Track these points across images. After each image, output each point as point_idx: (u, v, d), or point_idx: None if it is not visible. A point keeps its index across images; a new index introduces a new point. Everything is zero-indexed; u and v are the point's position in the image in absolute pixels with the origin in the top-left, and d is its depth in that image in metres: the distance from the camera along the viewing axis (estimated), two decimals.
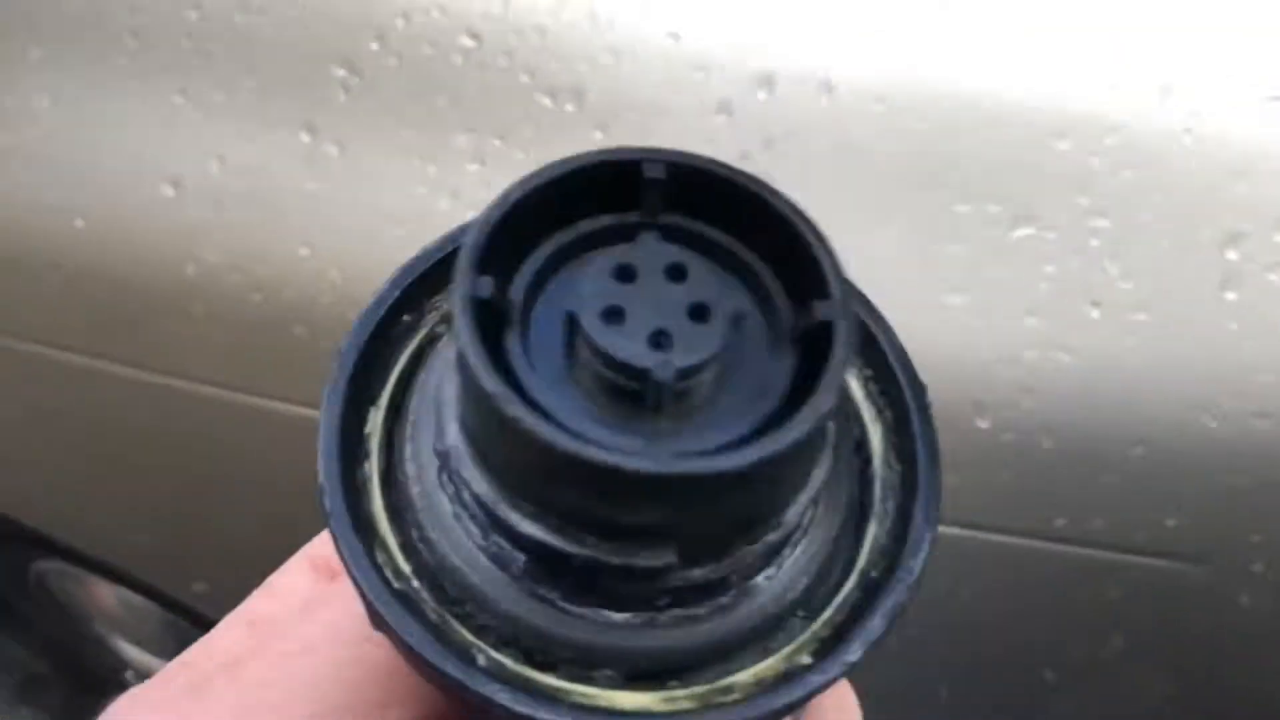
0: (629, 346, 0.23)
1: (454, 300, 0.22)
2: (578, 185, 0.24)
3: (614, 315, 0.23)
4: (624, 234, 0.25)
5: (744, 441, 0.23)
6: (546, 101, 0.58)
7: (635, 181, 0.24)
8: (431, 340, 0.29)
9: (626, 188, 0.25)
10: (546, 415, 0.22)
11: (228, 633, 0.35)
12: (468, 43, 0.58)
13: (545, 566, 0.25)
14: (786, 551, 0.27)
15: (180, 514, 0.71)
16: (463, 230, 0.27)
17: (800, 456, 0.24)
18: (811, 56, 0.54)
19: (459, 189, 0.58)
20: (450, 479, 0.26)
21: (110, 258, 0.64)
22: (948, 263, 0.51)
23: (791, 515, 0.25)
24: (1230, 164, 0.49)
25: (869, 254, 0.45)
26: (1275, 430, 0.50)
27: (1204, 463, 0.51)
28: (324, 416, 0.26)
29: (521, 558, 0.25)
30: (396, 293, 0.28)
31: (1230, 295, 0.49)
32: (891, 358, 0.28)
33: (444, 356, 0.27)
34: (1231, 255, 0.49)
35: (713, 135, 0.55)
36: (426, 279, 0.29)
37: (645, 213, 0.25)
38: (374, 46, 0.59)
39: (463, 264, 0.23)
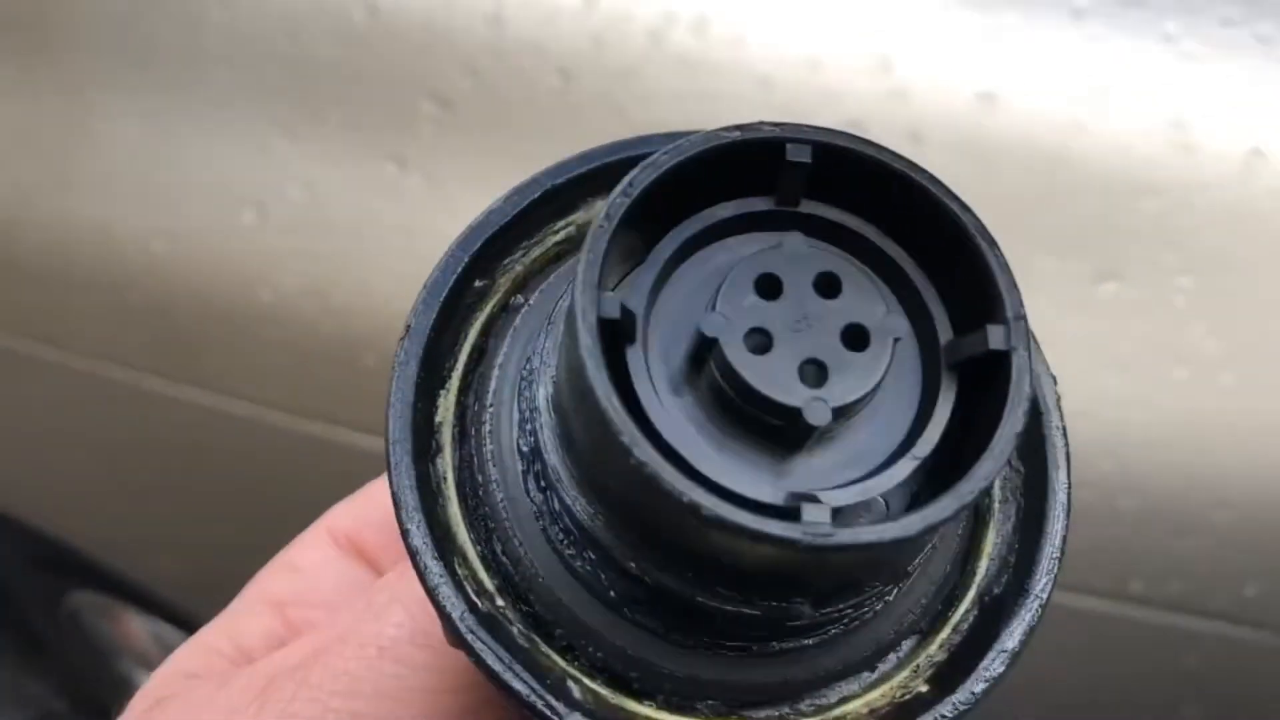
0: (778, 382, 0.20)
1: (577, 322, 0.20)
2: (707, 170, 0.22)
3: (760, 342, 0.21)
4: (758, 223, 0.22)
5: (878, 472, 0.21)
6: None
7: (774, 164, 0.22)
8: (505, 309, 0.25)
9: (762, 171, 0.22)
10: (676, 456, 0.20)
11: (252, 616, 0.33)
12: (556, 82, 0.59)
13: (654, 601, 0.23)
14: (907, 579, 0.24)
15: (240, 545, 0.71)
16: (533, 183, 0.25)
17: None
18: (899, 110, 0.54)
19: None
20: (543, 492, 0.23)
21: (190, 281, 0.65)
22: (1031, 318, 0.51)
23: (924, 552, 0.24)
24: None
25: None
26: None
27: None
28: (393, 405, 0.24)
29: (622, 586, 0.23)
30: (465, 257, 0.26)
31: None
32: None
33: (525, 330, 0.24)
34: None
35: None
36: (496, 240, 0.26)
37: (784, 199, 0.22)
38: (465, 83, 0.60)
39: (584, 278, 0.20)
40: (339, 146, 0.62)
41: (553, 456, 0.23)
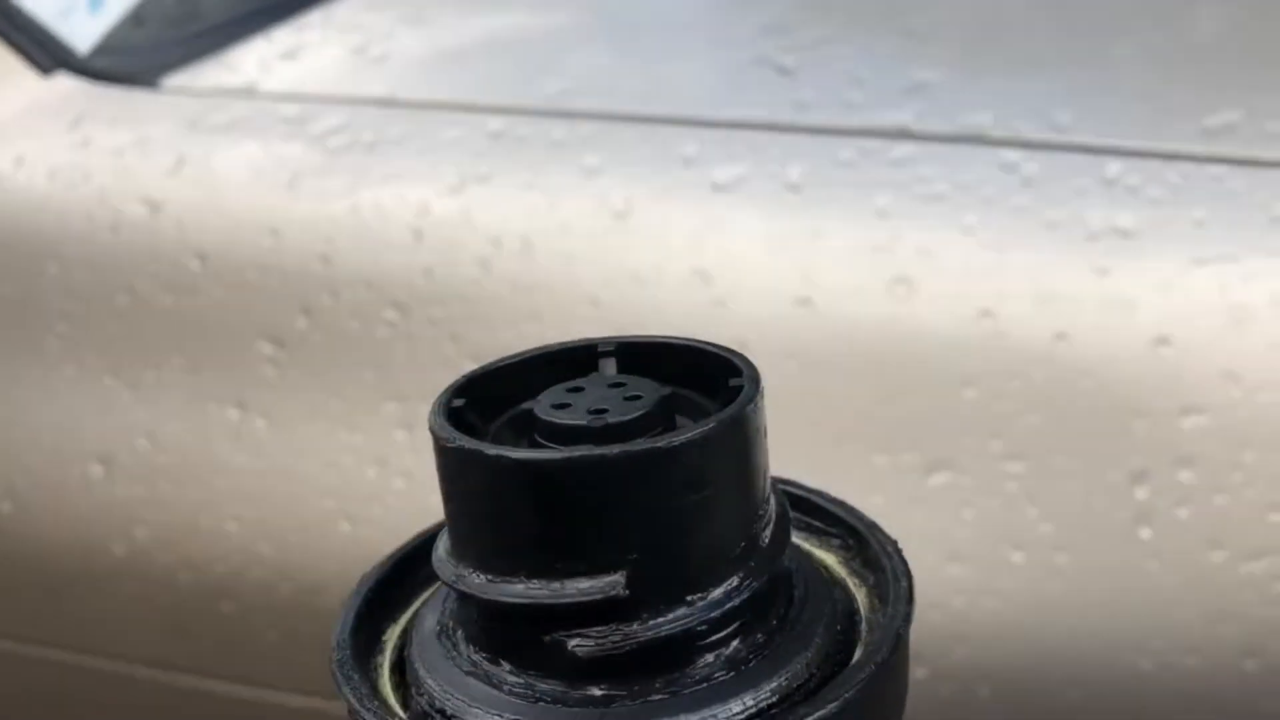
0: (571, 418, 0.24)
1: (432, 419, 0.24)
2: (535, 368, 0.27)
3: (562, 407, 0.25)
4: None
5: None
6: (472, 368, 0.59)
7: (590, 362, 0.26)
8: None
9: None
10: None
11: None
12: (392, 315, 0.60)
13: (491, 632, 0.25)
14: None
15: None
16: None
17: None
18: (723, 320, 0.55)
19: (386, 457, 0.59)
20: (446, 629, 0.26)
21: (38, 540, 0.64)
22: (870, 513, 0.51)
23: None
24: (1127, 404, 0.51)
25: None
26: (1205, 667, 0.49)
27: (1140, 702, 0.50)
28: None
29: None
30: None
31: (1145, 533, 0.50)
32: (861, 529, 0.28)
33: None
34: (1140, 494, 0.50)
35: None
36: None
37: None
38: (301, 323, 0.61)
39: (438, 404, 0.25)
40: (181, 394, 0.62)
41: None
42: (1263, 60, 0.68)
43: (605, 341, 0.27)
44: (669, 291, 0.57)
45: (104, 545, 0.62)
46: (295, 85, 0.72)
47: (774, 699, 0.24)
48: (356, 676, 0.25)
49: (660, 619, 0.23)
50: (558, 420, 0.24)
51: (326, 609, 0.60)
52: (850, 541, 0.28)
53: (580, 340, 0.27)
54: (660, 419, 0.24)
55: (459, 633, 0.25)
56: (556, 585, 0.23)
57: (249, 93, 0.71)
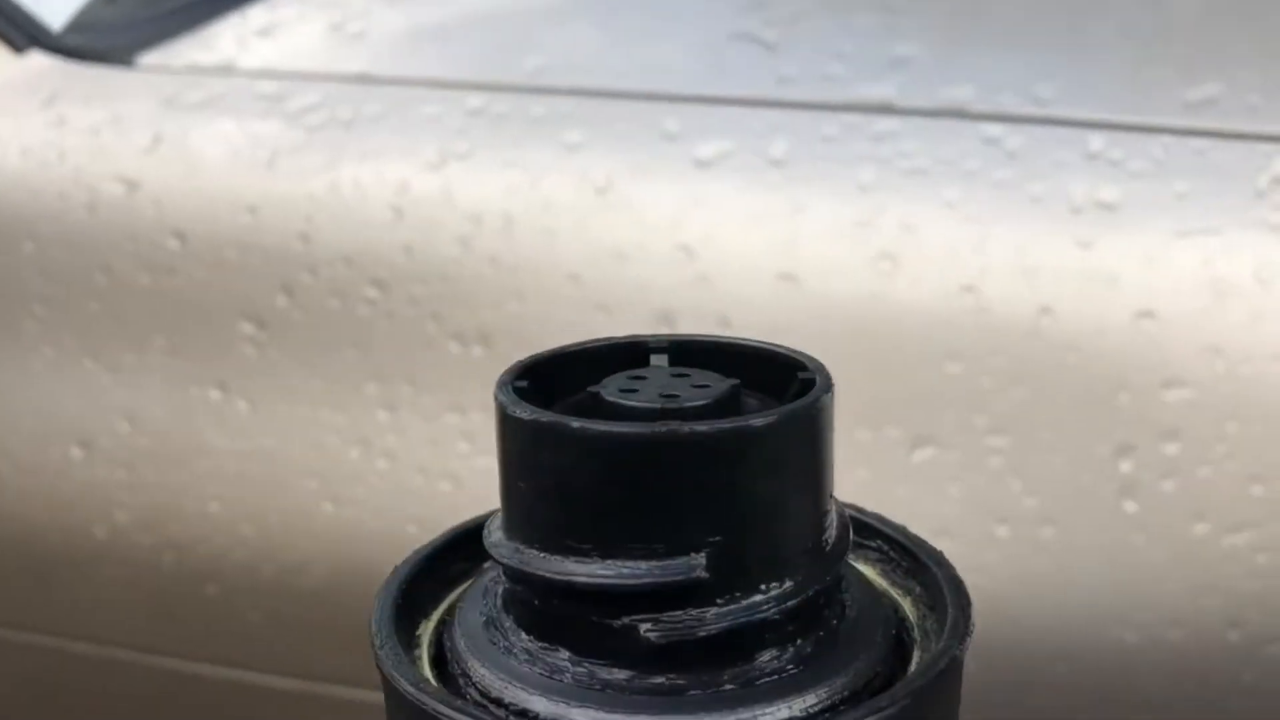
0: (642, 401, 0.24)
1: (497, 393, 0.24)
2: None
3: (629, 392, 0.24)
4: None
5: None
6: (454, 346, 0.59)
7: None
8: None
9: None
10: None
11: None
12: (373, 293, 0.60)
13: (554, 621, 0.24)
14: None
15: None
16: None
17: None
18: (706, 296, 0.55)
19: (368, 438, 0.58)
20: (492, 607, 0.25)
21: (19, 524, 0.63)
22: (854, 488, 0.51)
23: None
24: (1111, 378, 0.51)
25: None
26: (1191, 638, 0.50)
27: (1126, 674, 0.50)
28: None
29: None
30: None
31: (1129, 506, 0.50)
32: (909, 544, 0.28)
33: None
34: (1125, 467, 0.50)
35: None
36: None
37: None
38: (281, 302, 0.60)
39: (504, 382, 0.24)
40: (161, 376, 0.62)
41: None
42: (1244, 33, 0.68)
43: (658, 338, 0.26)
44: (652, 268, 0.56)
45: (85, 528, 0.62)
46: (272, 62, 0.71)
47: (845, 694, 0.23)
48: (404, 661, 0.24)
49: (736, 605, 0.23)
50: (628, 403, 0.24)
51: (310, 590, 0.59)
52: (891, 553, 0.28)
53: (633, 336, 0.26)
54: (733, 406, 0.24)
55: (509, 621, 0.24)
56: (635, 565, 0.22)
57: (226, 70, 0.70)
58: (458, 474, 0.57)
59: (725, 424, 0.22)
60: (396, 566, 0.27)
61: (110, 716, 0.66)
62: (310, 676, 0.60)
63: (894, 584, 0.28)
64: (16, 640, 0.65)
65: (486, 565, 0.27)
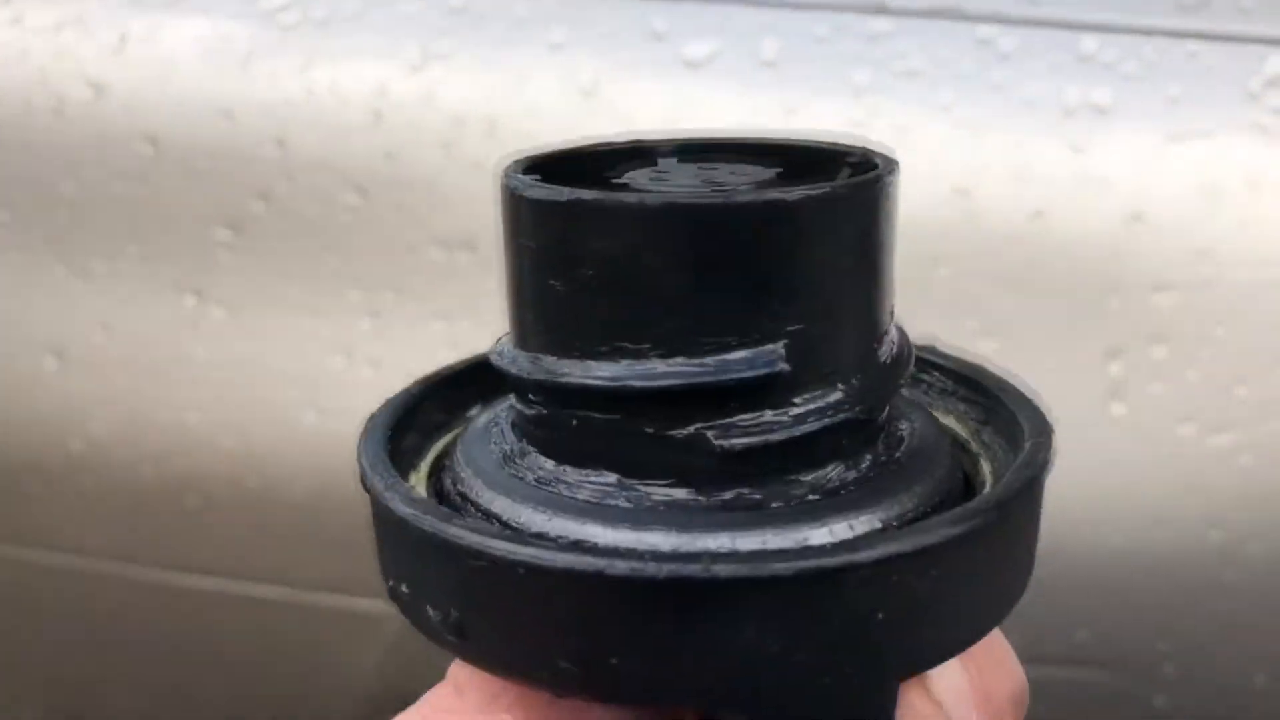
0: (684, 185, 0.21)
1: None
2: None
3: (659, 181, 0.21)
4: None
5: None
6: (437, 253, 0.58)
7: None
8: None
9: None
10: None
11: None
12: (353, 199, 0.58)
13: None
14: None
15: (74, 685, 0.68)
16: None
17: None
18: None
19: (352, 346, 0.58)
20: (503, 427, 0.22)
21: None
22: None
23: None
24: (1101, 281, 0.51)
25: None
26: (1174, 538, 0.50)
27: (1110, 575, 0.51)
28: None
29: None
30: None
31: (1117, 409, 0.50)
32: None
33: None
34: (1114, 370, 0.50)
35: None
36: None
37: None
38: (258, 206, 0.59)
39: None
40: (135, 283, 0.60)
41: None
42: None
43: (669, 141, 0.23)
44: None
45: (60, 440, 0.61)
46: None
47: (937, 500, 0.21)
48: (419, 499, 0.21)
49: (816, 405, 0.20)
50: (668, 190, 0.20)
51: (294, 500, 0.59)
52: (980, 401, 0.25)
53: (637, 140, 0.23)
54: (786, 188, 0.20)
55: (533, 452, 0.21)
56: (703, 363, 0.19)
57: None
58: None
59: (816, 189, 0.19)
60: (372, 414, 0.24)
61: (91, 627, 0.65)
62: (295, 585, 0.60)
63: (948, 410, 0.26)
64: None
65: (472, 412, 0.25)
